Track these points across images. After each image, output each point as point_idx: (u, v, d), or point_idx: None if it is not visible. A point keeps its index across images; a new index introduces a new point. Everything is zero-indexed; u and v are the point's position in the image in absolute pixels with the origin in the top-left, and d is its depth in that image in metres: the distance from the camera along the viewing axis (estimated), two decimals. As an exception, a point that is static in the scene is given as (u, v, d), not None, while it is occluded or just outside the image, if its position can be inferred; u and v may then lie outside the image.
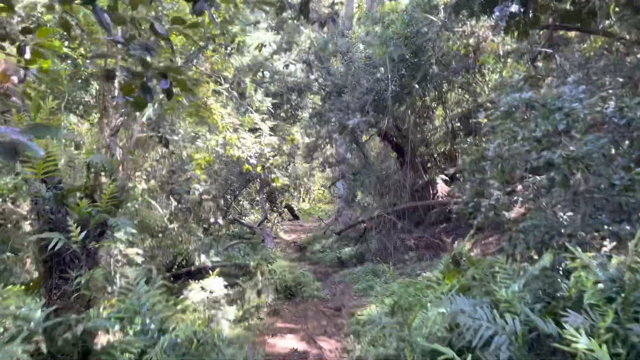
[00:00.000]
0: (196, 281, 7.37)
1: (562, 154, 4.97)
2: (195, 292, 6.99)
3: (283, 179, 7.78)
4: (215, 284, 7.20)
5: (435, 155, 18.18)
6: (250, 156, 7.31)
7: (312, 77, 13.16)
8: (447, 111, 17.21)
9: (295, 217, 25.91)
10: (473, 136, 15.55)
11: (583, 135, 5.13)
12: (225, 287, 7.55)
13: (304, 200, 28.05)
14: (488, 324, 4.57)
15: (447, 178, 16.46)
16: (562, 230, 5.57)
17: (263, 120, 7.76)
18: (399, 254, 13.25)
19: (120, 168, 6.65)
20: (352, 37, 15.18)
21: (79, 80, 8.18)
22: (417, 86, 10.55)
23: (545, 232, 5.74)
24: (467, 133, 15.69)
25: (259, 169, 7.75)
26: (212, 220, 6.67)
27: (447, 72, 11.66)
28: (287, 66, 11.45)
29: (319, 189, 28.40)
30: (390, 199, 15.86)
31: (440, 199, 15.97)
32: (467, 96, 15.74)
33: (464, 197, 6.24)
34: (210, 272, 7.50)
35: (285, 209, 25.30)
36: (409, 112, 16.06)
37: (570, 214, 5.79)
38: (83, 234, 5.16)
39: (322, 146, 14.83)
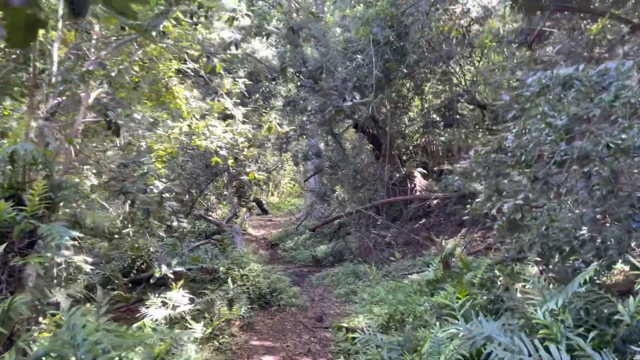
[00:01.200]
0: (156, 294, 6.13)
1: (609, 143, 4.00)
2: (155, 309, 5.76)
3: (259, 173, 6.59)
4: (179, 297, 5.98)
5: (411, 147, 17.32)
6: (220, 147, 6.11)
7: (286, 62, 11.96)
8: (425, 102, 16.33)
9: (264, 212, 24.68)
10: (454, 128, 14.72)
11: (629, 121, 4.20)
12: (191, 299, 6.33)
13: (272, 194, 26.82)
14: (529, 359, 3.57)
15: (425, 171, 15.62)
16: (599, 237, 4.64)
17: (236, 105, 6.55)
18: (378, 251, 12.28)
19: (62, 160, 5.33)
20: (328, 23, 14.05)
21: (14, 55, 6.76)
22: (405, 70, 9.52)
23: (574, 237, 4.80)
24: (447, 125, 14.85)
25: (230, 161, 6.54)
26: (174, 223, 5.45)
27: (432, 58, 10.66)
28: (267, 36, 10.16)
29: (288, 183, 27.23)
30: (366, 193, 14.88)
31: (418, 193, 15.11)
32: (447, 87, 14.87)
33: (480, 196, 5.21)
34: (173, 283, 6.26)
35: (254, 203, 24.03)
36: (386, 102, 15.08)
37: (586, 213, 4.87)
38: (3, 246, 3.88)
39: (296, 137, 13.69)
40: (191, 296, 6.22)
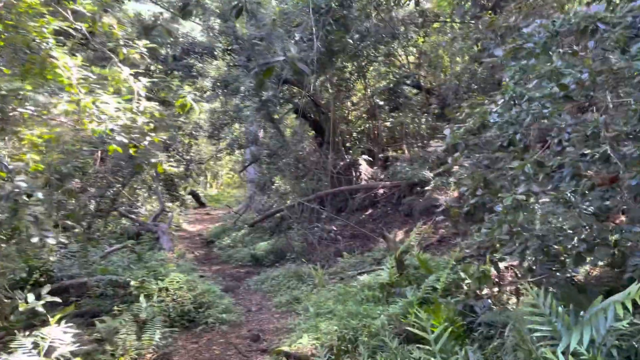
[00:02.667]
0: (26, 332, 4.39)
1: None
2: (20, 355, 4.04)
3: (169, 164, 4.95)
4: (60, 334, 4.29)
5: (355, 133, 16.02)
6: (113, 130, 4.43)
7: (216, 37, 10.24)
8: (368, 86, 15.05)
9: (202, 205, 22.75)
10: (400, 112, 13.53)
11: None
12: (80, 334, 4.65)
13: (211, 186, 24.88)
14: None
15: (370, 159, 14.37)
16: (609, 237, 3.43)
17: (135, 76, 4.86)
18: (323, 247, 10.91)
19: None
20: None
21: None
22: (350, 41, 8.08)
23: (581, 239, 3.58)
24: (393, 108, 13.65)
25: (132, 150, 4.86)
26: (35, 239, 3.72)
27: (379, 31, 9.30)
28: (185, 5, 8.31)
29: (227, 173, 25.36)
30: (309, 183, 13.45)
31: (364, 182, 13.86)
32: (391, 68, 13.63)
33: (462, 190, 3.87)
34: (49, 317, 4.53)
35: (190, 196, 22.03)
36: (329, 84, 13.67)
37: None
38: None
39: (230, 123, 12.00)
40: (77, 331, 4.51)
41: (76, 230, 12.07)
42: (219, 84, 10.53)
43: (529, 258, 4.08)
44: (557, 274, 4.11)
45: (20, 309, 4.06)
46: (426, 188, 11.55)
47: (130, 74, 4.95)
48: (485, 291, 5.84)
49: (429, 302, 6.20)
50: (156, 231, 10.99)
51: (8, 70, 4.28)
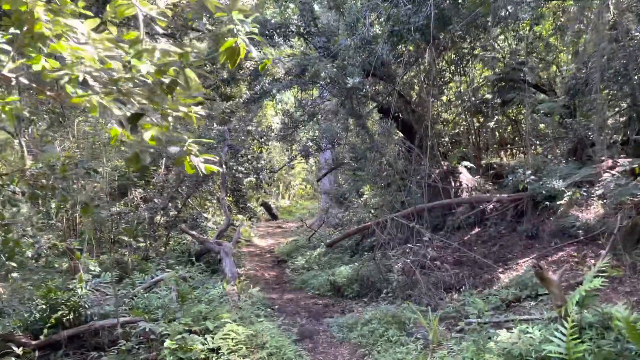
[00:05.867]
0: None
1: None
2: None
3: (207, 164, 2.47)
4: None
5: (449, 136, 13.05)
6: (84, 81, 2.08)
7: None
8: (469, 77, 12.10)
9: (274, 217, 20.66)
10: (516, 106, 10.46)
11: None
12: None
13: (283, 197, 22.75)
14: None
15: (472, 165, 11.39)
16: None
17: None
18: (424, 277, 8.11)
19: None
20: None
21: None
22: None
23: None
24: (504, 102, 10.60)
25: (148, 131, 2.45)
26: None
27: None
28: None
29: (300, 184, 23.13)
30: (397, 195, 10.71)
31: (466, 193, 10.90)
32: (503, 55, 10.62)
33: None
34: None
35: (262, 207, 20.01)
36: (421, 77, 10.93)
37: None
38: None
39: (305, 121, 9.62)
40: None
41: (136, 245, 10.18)
42: (293, 71, 8.16)
43: None
44: None
45: None
46: (558, 203, 8.47)
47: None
48: None
49: None
50: (219, 251, 8.75)
51: None
